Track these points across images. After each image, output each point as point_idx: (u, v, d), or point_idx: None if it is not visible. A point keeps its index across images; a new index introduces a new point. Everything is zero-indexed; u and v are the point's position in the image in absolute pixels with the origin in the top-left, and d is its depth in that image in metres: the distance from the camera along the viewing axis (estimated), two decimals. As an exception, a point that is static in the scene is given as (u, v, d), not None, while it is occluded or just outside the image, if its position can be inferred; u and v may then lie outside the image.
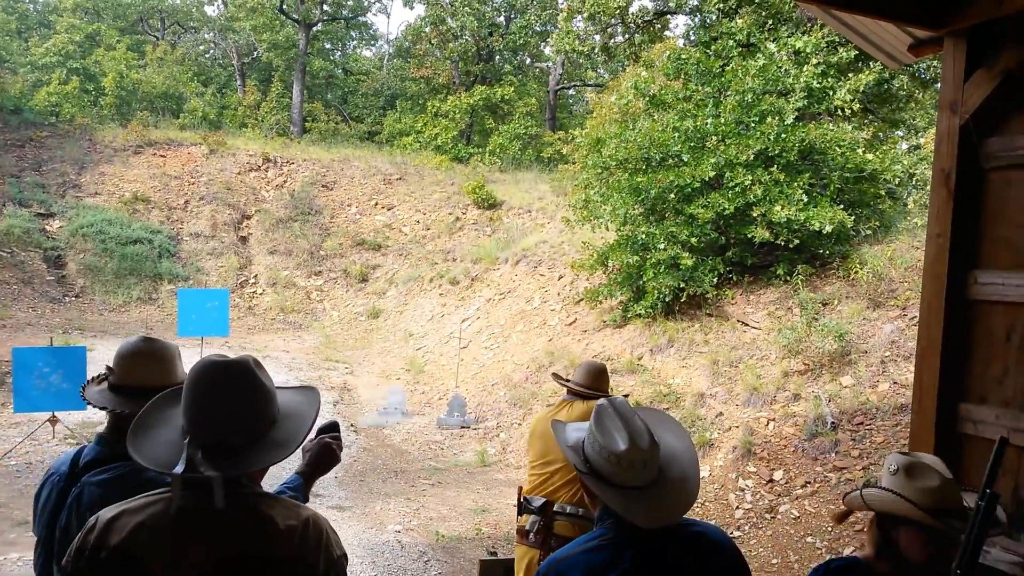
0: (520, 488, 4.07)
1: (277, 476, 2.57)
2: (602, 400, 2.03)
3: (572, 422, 3.49)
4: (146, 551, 1.63)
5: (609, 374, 4.28)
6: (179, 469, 1.63)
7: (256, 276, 19.04)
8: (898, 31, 4.47)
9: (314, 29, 32.82)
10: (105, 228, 18.31)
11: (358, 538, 6.76)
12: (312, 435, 2.54)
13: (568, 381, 4.15)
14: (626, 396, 4.39)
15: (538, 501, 3.84)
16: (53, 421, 8.69)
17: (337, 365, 14.02)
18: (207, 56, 37.23)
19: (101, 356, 12.65)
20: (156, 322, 16.41)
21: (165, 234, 19.14)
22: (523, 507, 3.94)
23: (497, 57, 31.35)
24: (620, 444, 1.89)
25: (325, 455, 2.38)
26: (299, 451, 1.91)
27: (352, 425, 10.53)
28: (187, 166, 21.60)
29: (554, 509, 3.77)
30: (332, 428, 2.45)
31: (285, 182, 21.79)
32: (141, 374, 2.34)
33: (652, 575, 1.91)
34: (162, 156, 21.77)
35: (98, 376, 2.46)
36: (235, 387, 1.72)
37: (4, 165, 19.74)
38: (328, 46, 36.64)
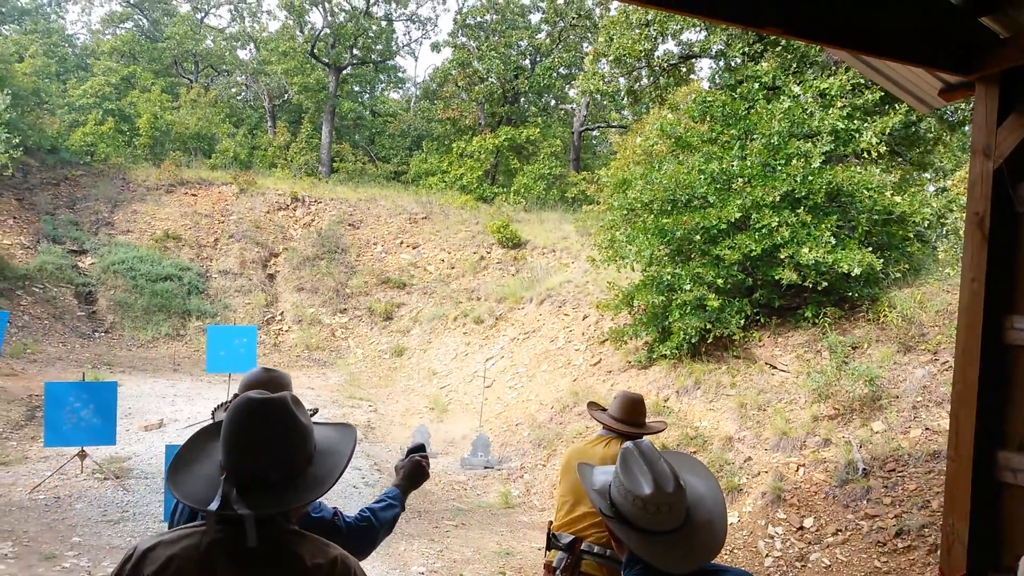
0: (550, 523, 3.98)
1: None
2: (628, 443, 2.02)
3: (605, 464, 3.46)
4: None
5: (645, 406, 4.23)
6: (214, 506, 1.67)
7: (283, 313, 19.20)
8: (928, 76, 4.48)
9: (344, 72, 33.50)
10: (136, 265, 18.62)
11: (382, 579, 6.70)
12: (402, 454, 2.92)
13: (604, 411, 4.09)
14: (662, 426, 4.35)
15: (566, 538, 3.77)
16: (82, 456, 8.77)
17: (361, 403, 14.03)
18: (239, 98, 38.05)
19: (130, 391, 12.80)
20: (184, 358, 16.57)
21: (195, 271, 19.41)
22: (551, 542, 3.87)
23: (522, 99, 31.75)
24: (645, 488, 1.88)
25: (416, 471, 2.86)
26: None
27: (375, 464, 10.49)
28: (217, 205, 21.99)
29: (582, 548, 3.72)
30: (420, 448, 2.92)
31: (312, 221, 22.08)
32: None
33: None
34: (193, 195, 22.19)
35: (225, 403, 2.85)
36: (272, 424, 1.74)
37: (39, 203, 20.21)
38: (357, 88, 37.33)
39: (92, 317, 17.59)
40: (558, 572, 3.73)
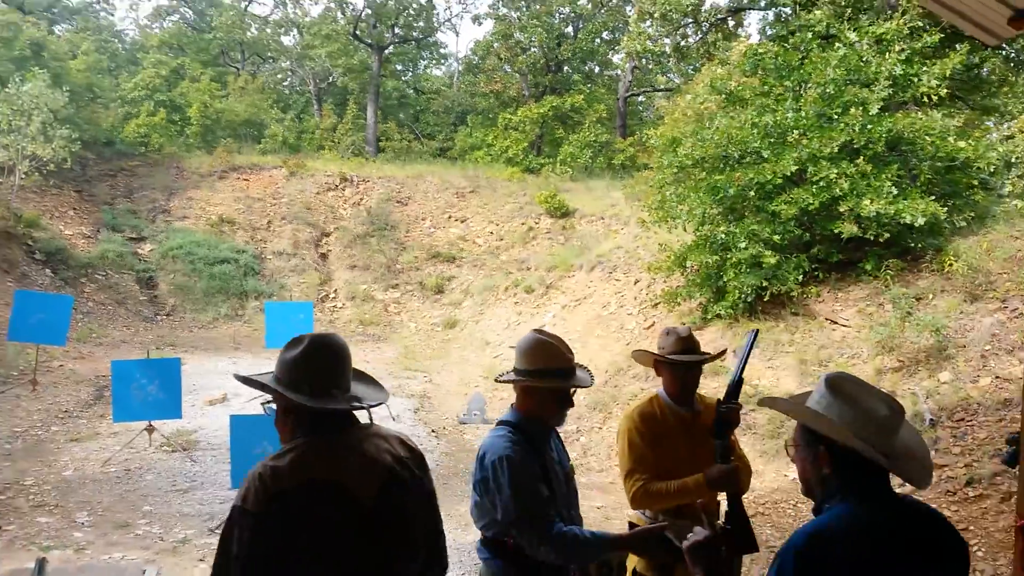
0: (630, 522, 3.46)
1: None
2: (830, 373, 1.95)
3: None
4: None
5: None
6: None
7: (336, 291, 19.46)
8: (996, 3, 4.25)
9: (386, 52, 33.54)
10: (193, 249, 19.06)
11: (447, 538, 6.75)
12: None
13: (660, 351, 3.56)
14: (721, 351, 3.97)
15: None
16: (150, 430, 9.02)
17: (416, 374, 14.16)
18: (285, 84, 38.44)
19: (194, 369, 13.12)
20: (243, 337, 16.92)
21: (250, 253, 19.78)
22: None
23: (566, 67, 31.38)
24: (883, 408, 1.85)
25: None
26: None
27: (433, 431, 10.60)
28: (269, 188, 22.33)
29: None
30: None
31: (361, 200, 22.27)
32: (541, 359, 3.01)
33: (888, 535, 1.81)
34: (245, 180, 22.57)
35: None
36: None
37: (98, 194, 20.79)
38: (400, 67, 37.39)
39: (154, 301, 18.08)
40: None
